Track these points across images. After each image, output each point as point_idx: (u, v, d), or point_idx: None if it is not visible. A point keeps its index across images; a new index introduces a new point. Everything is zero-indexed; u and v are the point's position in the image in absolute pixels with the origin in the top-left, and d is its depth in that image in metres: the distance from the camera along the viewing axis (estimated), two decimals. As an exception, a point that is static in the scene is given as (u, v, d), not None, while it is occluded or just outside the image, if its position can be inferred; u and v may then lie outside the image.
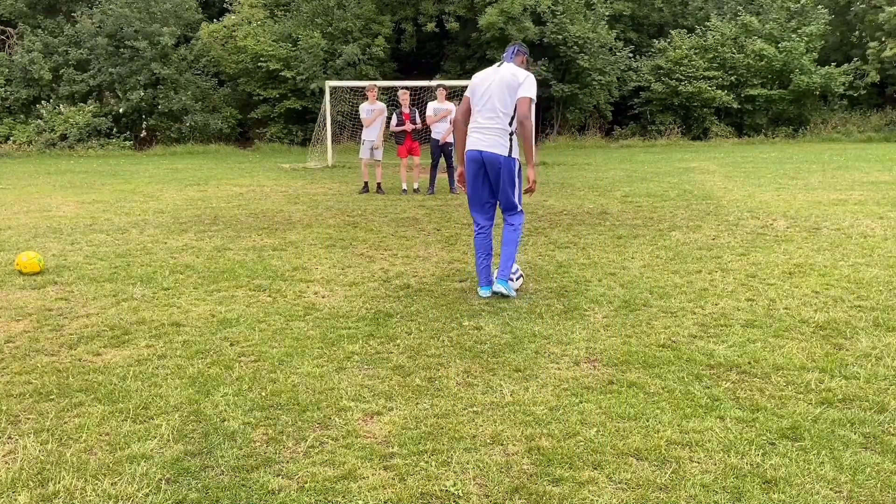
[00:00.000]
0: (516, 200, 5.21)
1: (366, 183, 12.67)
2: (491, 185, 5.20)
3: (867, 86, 28.33)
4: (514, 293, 5.23)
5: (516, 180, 5.16)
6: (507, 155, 5.04)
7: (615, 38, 28.65)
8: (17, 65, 25.13)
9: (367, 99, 12.61)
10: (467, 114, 5.18)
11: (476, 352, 4.09)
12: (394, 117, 12.49)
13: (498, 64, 5.18)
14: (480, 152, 5.07)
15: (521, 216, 5.32)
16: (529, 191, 5.22)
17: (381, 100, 12.75)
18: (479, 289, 5.38)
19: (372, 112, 12.35)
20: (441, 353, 4.07)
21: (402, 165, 12.63)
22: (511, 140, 5.05)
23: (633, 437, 3.00)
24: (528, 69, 5.24)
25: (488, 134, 5.05)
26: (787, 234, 7.64)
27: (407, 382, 3.64)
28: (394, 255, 6.98)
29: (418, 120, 12.42)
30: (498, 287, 5.20)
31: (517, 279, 5.44)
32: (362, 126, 12.63)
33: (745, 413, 3.22)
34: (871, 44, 27.96)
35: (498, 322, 4.65)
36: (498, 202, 5.30)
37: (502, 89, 5.00)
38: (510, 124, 5.02)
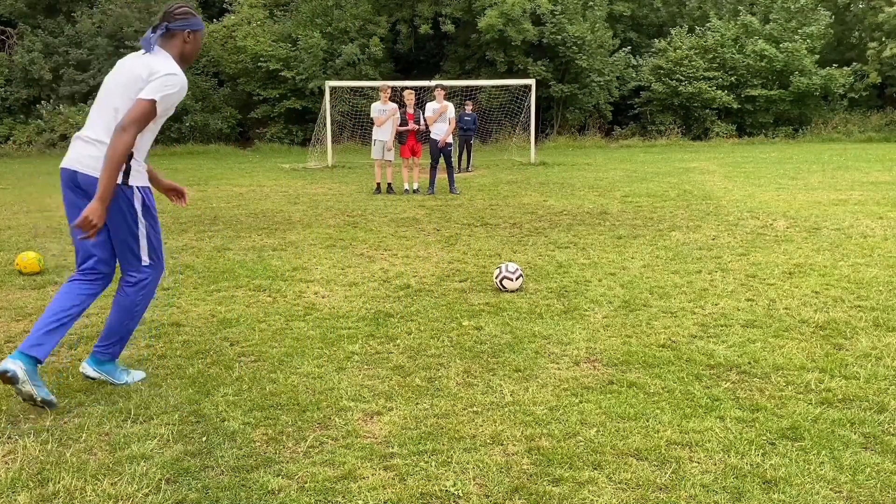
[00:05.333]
0: (139, 250, 3.62)
1: (378, 184, 12.70)
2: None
3: (867, 87, 28.36)
4: (119, 380, 3.59)
5: (139, 219, 3.62)
6: (119, 182, 3.41)
7: (613, 38, 28.70)
8: (17, 65, 25.17)
9: (379, 99, 12.66)
10: None
11: (476, 352, 4.09)
12: (398, 116, 12.54)
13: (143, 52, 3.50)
14: (75, 172, 3.44)
15: (147, 273, 3.65)
16: (84, 228, 3.22)
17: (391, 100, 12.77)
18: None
19: (385, 112, 12.35)
20: (441, 353, 4.07)
21: (403, 165, 12.67)
22: (129, 162, 3.45)
23: (633, 437, 3.00)
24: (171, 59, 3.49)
25: (91, 147, 3.44)
26: (787, 234, 7.64)
27: (407, 382, 3.64)
28: (394, 255, 6.98)
29: (422, 121, 12.44)
30: (87, 368, 3.60)
31: (516, 279, 5.43)
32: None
33: (745, 413, 3.22)
34: (871, 44, 27.97)
35: (498, 322, 4.65)
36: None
37: (126, 87, 3.41)
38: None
